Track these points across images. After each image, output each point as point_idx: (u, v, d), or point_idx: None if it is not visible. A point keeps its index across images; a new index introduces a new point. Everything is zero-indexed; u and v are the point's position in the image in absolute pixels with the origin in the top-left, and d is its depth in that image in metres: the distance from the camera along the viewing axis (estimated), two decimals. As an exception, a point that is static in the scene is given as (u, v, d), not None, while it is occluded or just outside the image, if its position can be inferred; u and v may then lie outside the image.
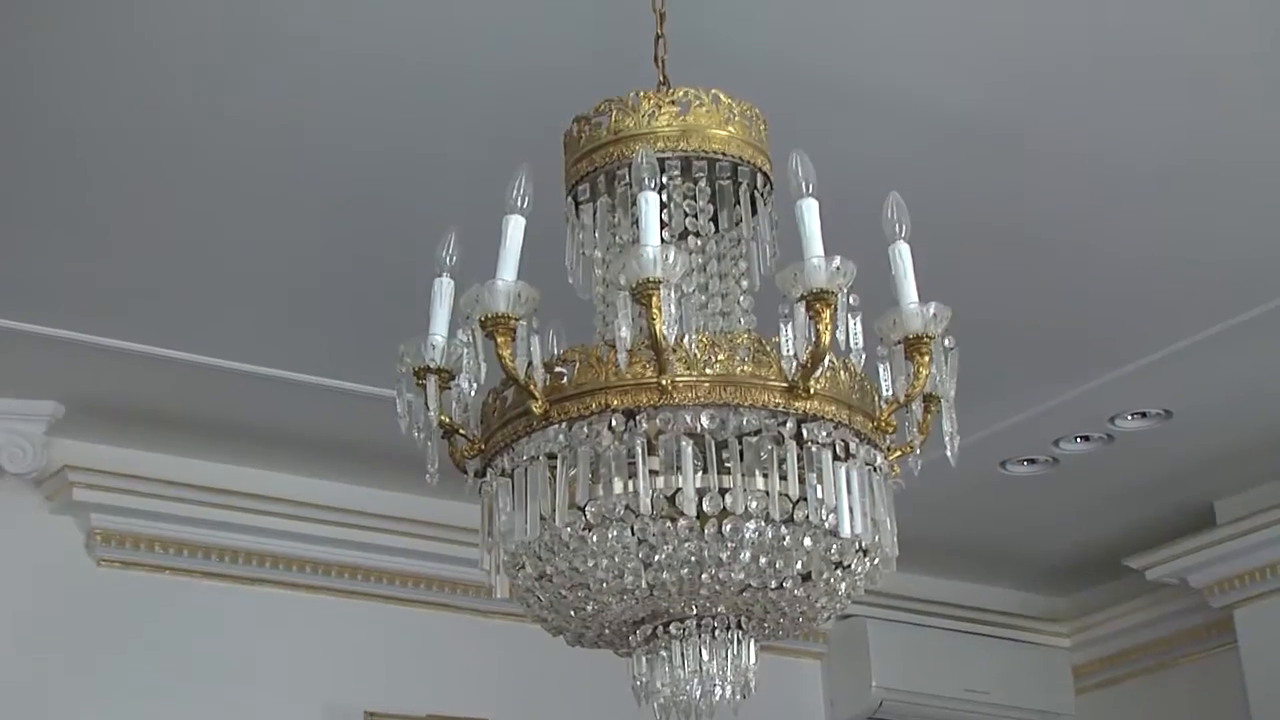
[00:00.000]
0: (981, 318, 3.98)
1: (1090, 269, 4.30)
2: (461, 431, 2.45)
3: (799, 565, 2.35)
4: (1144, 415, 5.06)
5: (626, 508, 2.29)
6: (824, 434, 2.33)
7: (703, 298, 2.56)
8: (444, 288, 2.49)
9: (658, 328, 2.23)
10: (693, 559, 2.30)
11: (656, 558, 2.31)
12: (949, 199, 3.91)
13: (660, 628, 2.42)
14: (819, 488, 2.31)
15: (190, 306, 4.33)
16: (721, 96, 2.58)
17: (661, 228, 2.36)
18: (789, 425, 2.32)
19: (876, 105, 3.63)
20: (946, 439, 2.47)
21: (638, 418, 2.30)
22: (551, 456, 2.34)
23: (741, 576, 2.32)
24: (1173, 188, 3.97)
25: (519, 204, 2.40)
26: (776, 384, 2.32)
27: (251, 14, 3.31)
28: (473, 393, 2.46)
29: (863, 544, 2.38)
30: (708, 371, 2.31)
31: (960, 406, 2.49)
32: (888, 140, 3.73)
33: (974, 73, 3.56)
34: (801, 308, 2.27)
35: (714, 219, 2.62)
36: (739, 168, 2.58)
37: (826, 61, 3.48)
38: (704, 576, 2.32)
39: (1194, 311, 4.49)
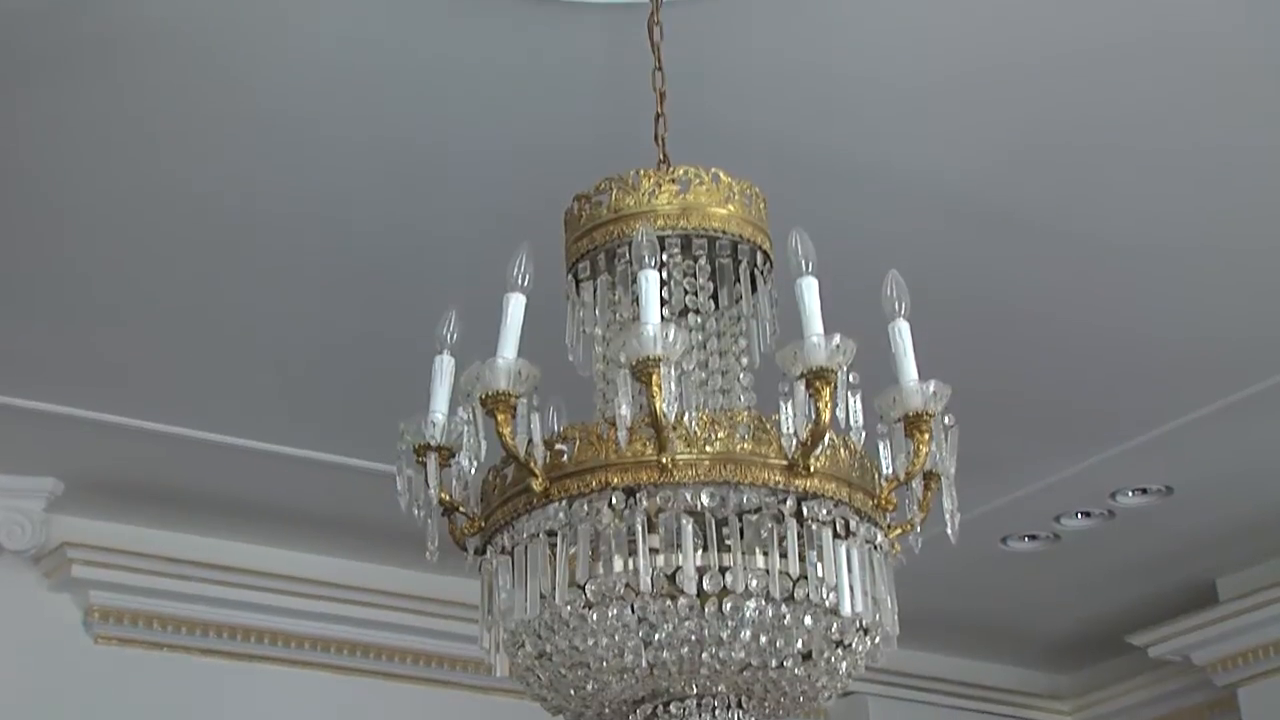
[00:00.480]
0: (982, 393, 3.98)
1: (1090, 344, 4.31)
2: (461, 509, 2.45)
3: (800, 644, 2.34)
4: (1145, 491, 5.05)
5: (627, 586, 2.28)
6: (824, 512, 2.33)
7: (703, 375, 2.56)
8: (444, 365, 2.50)
9: (658, 405, 2.24)
10: (693, 638, 2.29)
11: (657, 636, 2.29)
12: (948, 275, 3.92)
13: (660, 707, 2.40)
14: (819, 566, 2.30)
15: (190, 381, 4.34)
16: (721, 175, 2.59)
17: (662, 305, 2.37)
18: (789, 503, 2.32)
19: (875, 182, 3.65)
20: (947, 516, 2.46)
21: (638, 495, 2.29)
22: (552, 534, 2.33)
23: (742, 655, 2.31)
24: (1172, 264, 3.98)
25: (520, 282, 2.40)
26: (777, 462, 2.32)
27: (251, 96, 3.34)
28: (473, 470, 2.46)
29: (863, 623, 2.37)
30: (708, 449, 2.31)
31: (961, 482, 2.49)
32: (886, 217, 3.75)
33: (973, 150, 3.58)
34: (801, 385, 2.27)
35: (714, 296, 2.63)
36: (739, 245, 2.59)
37: (825, 139, 3.51)
38: (704, 655, 2.30)
39: (1194, 387, 4.49)
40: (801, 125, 3.47)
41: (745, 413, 2.39)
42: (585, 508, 2.31)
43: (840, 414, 2.29)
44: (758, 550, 2.32)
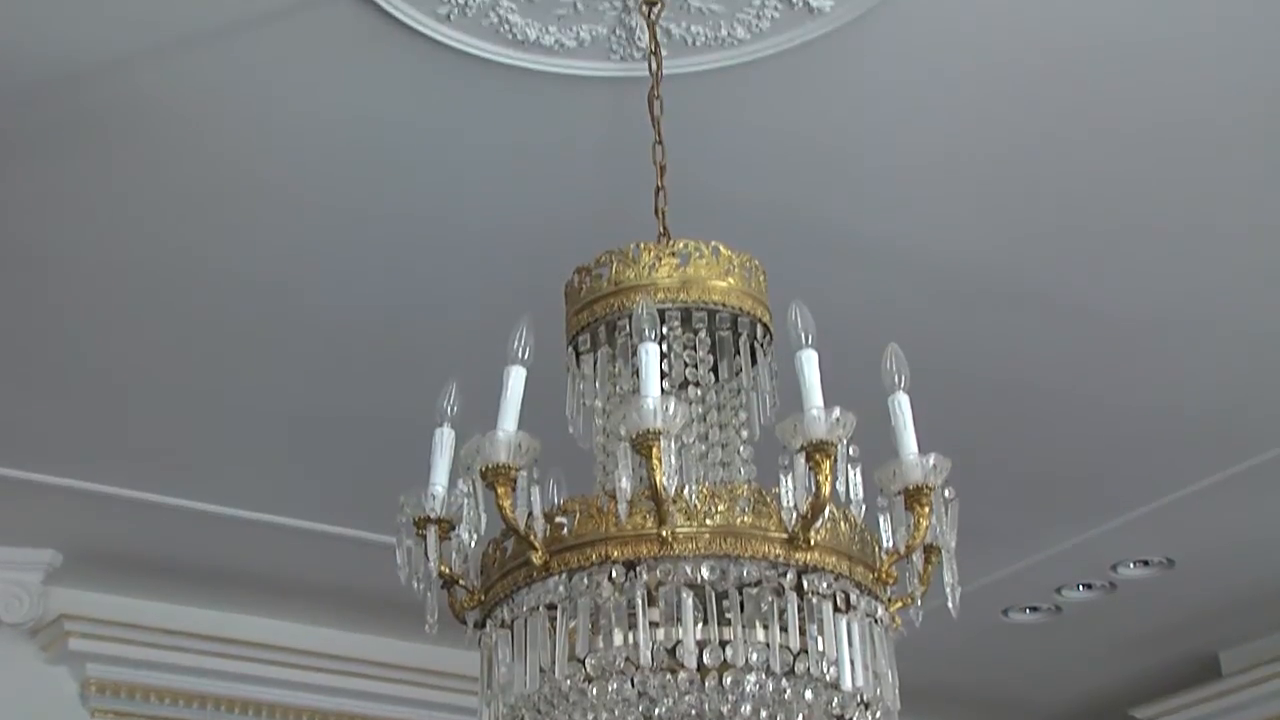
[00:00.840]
0: (983, 464, 3.98)
1: (1090, 417, 4.31)
2: (461, 582, 2.44)
3: (800, 718, 2.32)
4: (1146, 564, 5.04)
5: (627, 660, 2.27)
6: (825, 585, 2.32)
7: (703, 448, 2.56)
8: (444, 438, 2.50)
9: (658, 479, 2.23)
10: (693, 712, 2.28)
11: (657, 711, 2.28)
12: (949, 347, 3.93)
13: (661, 780, 2.38)
14: (820, 640, 2.30)
15: (188, 453, 4.33)
16: (721, 248, 2.60)
17: (662, 378, 2.37)
18: (789, 577, 2.31)
19: (875, 256, 3.66)
20: (948, 589, 2.46)
21: (638, 569, 2.29)
22: (551, 607, 2.33)
23: (743, 730, 2.30)
24: (1172, 336, 3.99)
25: (520, 355, 2.41)
26: (777, 535, 2.31)
27: (250, 170, 3.36)
28: (473, 543, 2.45)
29: (864, 697, 2.35)
30: (708, 522, 2.31)
31: (961, 554, 2.48)
32: (887, 290, 3.76)
33: (972, 225, 3.60)
34: (801, 458, 2.27)
35: (714, 369, 2.63)
36: (739, 318, 2.60)
37: (826, 213, 3.52)
38: (705, 730, 2.29)
39: (1195, 459, 4.49)
40: (802, 198, 3.48)
41: (745, 485, 2.39)
42: (585, 581, 2.30)
43: (840, 487, 2.29)
44: (758, 624, 2.31)
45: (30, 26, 2.93)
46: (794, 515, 2.30)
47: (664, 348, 2.51)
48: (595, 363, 2.61)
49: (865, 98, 3.23)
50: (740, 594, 2.31)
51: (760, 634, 2.30)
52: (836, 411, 2.27)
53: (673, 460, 2.26)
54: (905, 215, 3.56)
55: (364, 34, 2.99)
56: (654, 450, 2.22)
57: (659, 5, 2.71)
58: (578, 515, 2.34)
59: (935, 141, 3.35)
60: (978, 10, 3.01)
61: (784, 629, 2.29)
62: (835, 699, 2.33)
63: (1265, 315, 3.93)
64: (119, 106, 3.14)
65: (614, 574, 2.28)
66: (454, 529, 2.44)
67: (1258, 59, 3.16)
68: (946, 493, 2.43)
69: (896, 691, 2.41)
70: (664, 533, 2.28)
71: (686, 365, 2.58)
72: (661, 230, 2.70)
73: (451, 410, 2.52)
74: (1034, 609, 5.34)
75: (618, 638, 2.28)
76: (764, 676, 2.27)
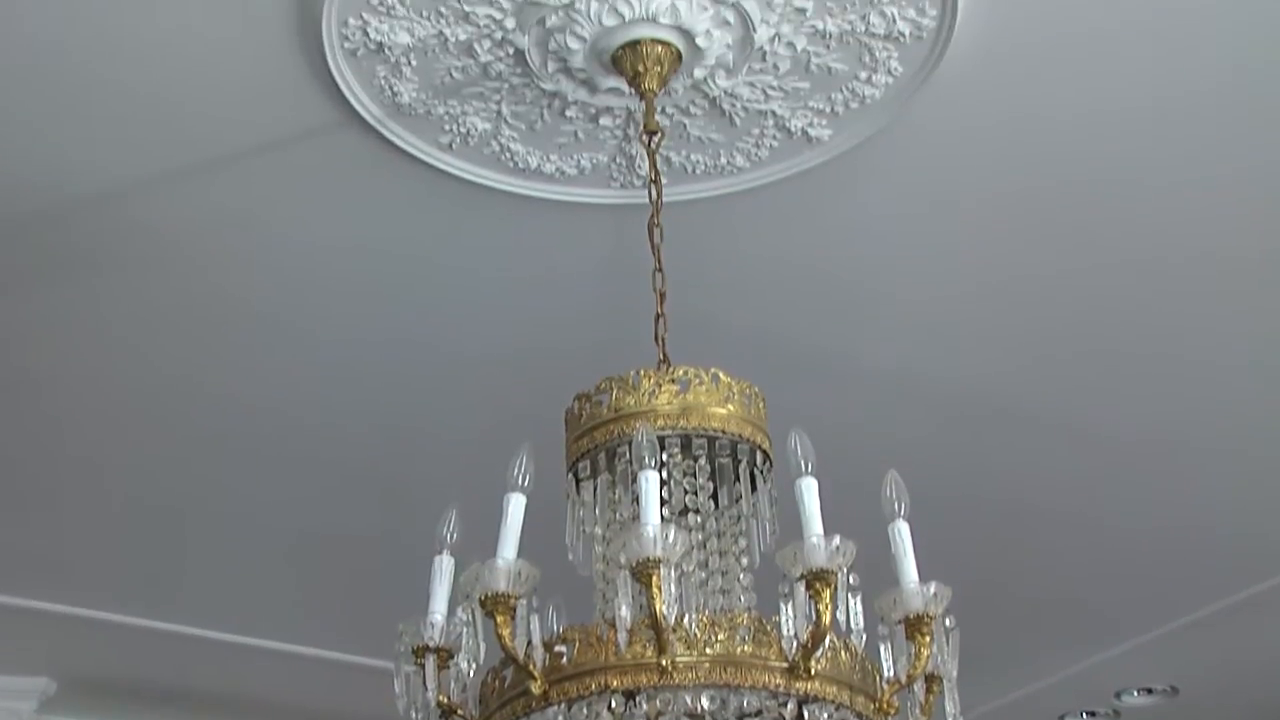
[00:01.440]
0: (984, 590, 3.96)
1: (1092, 541, 4.30)
2: (460, 712, 2.42)
3: None
4: (1150, 691, 5.00)
5: (627, 788, 2.25)
6: (825, 715, 2.30)
7: (703, 575, 2.55)
8: (444, 565, 2.49)
9: (658, 607, 2.22)
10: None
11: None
12: (949, 472, 3.93)
13: None
14: (822, 769, 2.27)
15: (184, 578, 4.32)
16: (721, 375, 2.60)
17: (661, 505, 2.36)
18: (790, 706, 2.29)
19: (875, 381, 3.67)
20: (949, 719, 2.44)
21: (638, 699, 2.27)
22: (550, 737, 2.31)
23: None
24: (1173, 462, 3.99)
25: (520, 482, 2.40)
26: (777, 664, 2.30)
27: (248, 297, 3.38)
28: (471, 672, 2.43)
29: (866, 827, 2.33)
30: (708, 651, 2.29)
31: (963, 681, 2.46)
32: (887, 414, 3.77)
33: (972, 350, 3.61)
34: (802, 587, 2.26)
35: (714, 496, 2.63)
36: (738, 445, 2.60)
37: (826, 339, 3.54)
38: None
39: (1200, 586, 4.48)
40: (802, 324, 3.50)
41: (745, 614, 2.37)
42: (585, 711, 2.28)
43: (841, 616, 2.28)
44: (759, 754, 2.29)
45: (26, 156, 2.96)
46: (794, 644, 2.29)
47: (664, 475, 2.51)
48: (595, 489, 2.60)
49: (864, 225, 3.26)
50: (741, 723, 2.29)
51: (762, 763, 2.28)
52: (836, 540, 2.26)
53: (672, 588, 2.24)
54: (905, 341, 3.57)
55: (366, 161, 3.02)
56: (654, 579, 2.21)
57: (659, 134, 2.74)
58: (577, 644, 2.32)
59: (935, 268, 3.37)
60: (976, 139, 3.04)
61: (786, 759, 2.27)
62: (837, 829, 2.30)
63: (1269, 441, 3.93)
64: (116, 235, 3.16)
65: (614, 704, 2.26)
66: (453, 657, 2.43)
67: (1261, 192, 3.19)
68: (948, 621, 2.41)
69: (898, 821, 2.39)
70: (664, 662, 2.26)
71: (686, 492, 2.57)
72: (661, 357, 2.71)
73: (451, 537, 2.51)
74: (1037, 737, 5.29)
75: (618, 767, 2.26)
76: (766, 805, 2.25)
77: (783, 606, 2.30)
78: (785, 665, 2.29)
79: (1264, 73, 2.90)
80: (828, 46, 2.79)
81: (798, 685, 2.29)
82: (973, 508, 4.10)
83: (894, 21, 2.74)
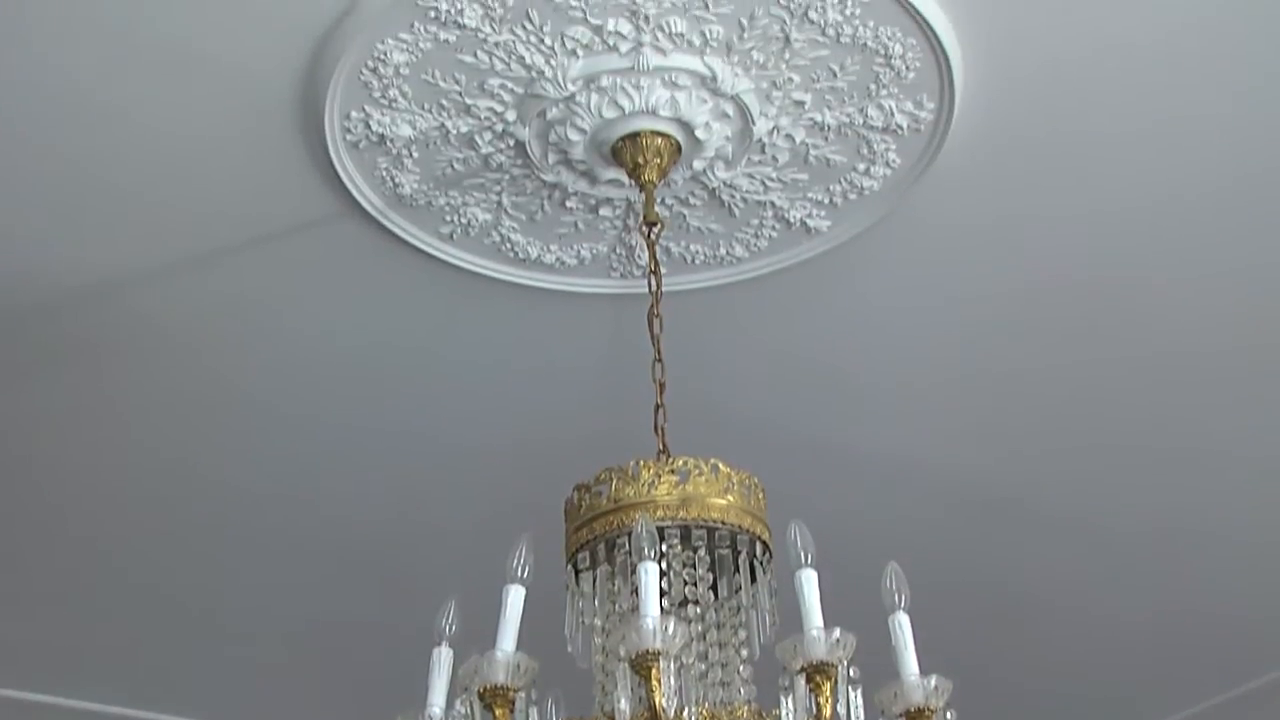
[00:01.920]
0: (985, 681, 3.94)
1: (1092, 632, 4.28)
2: (459, 804, 2.40)
3: None
4: (1152, 782, 4.95)
5: None
6: (826, 807, 2.28)
7: (702, 667, 2.54)
8: (443, 657, 2.48)
9: (657, 700, 2.21)
10: None
11: None
12: (949, 561, 3.92)
13: None
14: None
15: (180, 668, 4.30)
16: (721, 466, 2.60)
17: (661, 596, 2.36)
18: (791, 799, 2.28)
19: (874, 470, 3.67)
20: (951, 811, 2.42)
21: (637, 791, 2.25)
22: (549, 832, 2.29)
23: None
24: (1172, 554, 3.99)
25: (519, 574, 2.40)
26: (778, 757, 2.29)
27: (248, 388, 3.39)
28: (469, 765, 2.42)
29: None
30: (708, 744, 2.28)
31: (963, 773, 2.45)
32: (886, 504, 3.77)
33: (971, 440, 3.61)
34: (802, 679, 2.25)
35: (713, 587, 2.62)
36: (738, 536, 2.59)
37: (825, 428, 3.54)
38: None
39: (1199, 679, 4.45)
40: (801, 413, 3.51)
41: (745, 706, 2.37)
42: (584, 803, 2.27)
43: (841, 709, 2.27)
44: None
45: (26, 250, 2.98)
46: (795, 737, 2.28)
47: (663, 566, 2.50)
48: (595, 581, 2.59)
49: (863, 315, 3.27)
50: (741, 816, 2.27)
51: None
52: (837, 632, 2.25)
53: (672, 681, 2.23)
54: (904, 430, 3.57)
55: (366, 251, 3.04)
56: (653, 671, 2.20)
57: (659, 225, 2.75)
58: (576, 737, 2.32)
59: (933, 358, 3.38)
60: (974, 232, 3.06)
61: None
62: None
63: (1270, 532, 3.92)
64: (116, 325, 3.17)
65: (613, 796, 2.25)
66: (451, 750, 2.41)
67: (1259, 290, 3.21)
68: (949, 715, 2.40)
69: None
70: (663, 755, 2.25)
71: (686, 583, 2.56)
72: (661, 447, 2.71)
73: (450, 629, 2.50)
74: (1039, 829, 5.23)
75: None
76: None
77: (783, 699, 2.30)
78: (786, 759, 2.28)
79: (1262, 175, 2.92)
80: (826, 139, 2.81)
81: (798, 778, 2.28)
82: (973, 597, 4.08)
83: (892, 114, 2.76)
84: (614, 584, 2.60)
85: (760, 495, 2.64)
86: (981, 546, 3.95)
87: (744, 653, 2.57)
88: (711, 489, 2.58)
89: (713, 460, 2.61)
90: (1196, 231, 3.05)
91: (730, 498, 2.59)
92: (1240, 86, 2.73)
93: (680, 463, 2.60)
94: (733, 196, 2.94)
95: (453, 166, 2.83)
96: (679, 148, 2.79)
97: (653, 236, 2.77)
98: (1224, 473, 3.73)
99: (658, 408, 2.77)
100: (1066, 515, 3.85)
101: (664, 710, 2.22)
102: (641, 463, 2.61)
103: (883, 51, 2.63)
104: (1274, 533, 3.93)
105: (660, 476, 2.58)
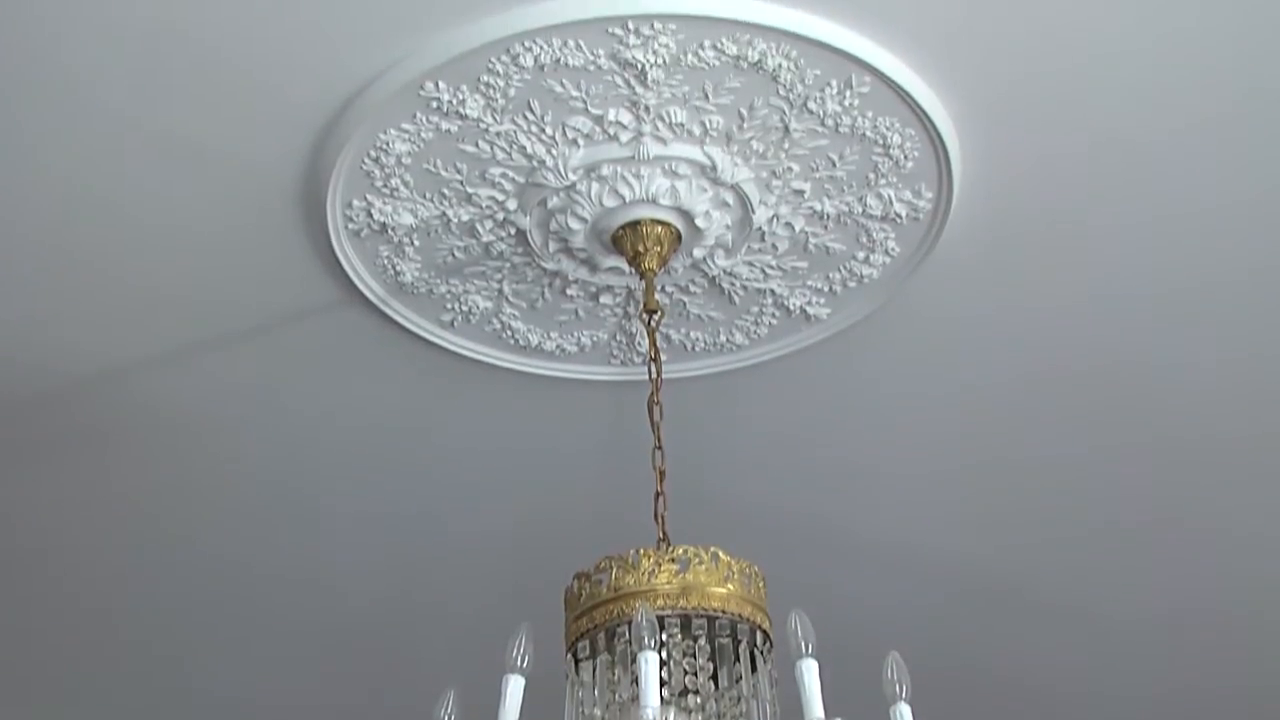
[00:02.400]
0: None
1: (1091, 718, 4.25)
2: None
3: None
4: None
5: None
6: None
7: (704, 757, 2.52)
8: (442, 748, 2.46)
9: (658, 791, 2.20)
10: None
11: None
12: (949, 647, 3.90)
13: None
14: None
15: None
16: (721, 554, 2.59)
17: (661, 686, 2.35)
18: None
19: (874, 557, 3.66)
20: None
21: None
22: None
23: None
24: (1173, 640, 3.97)
25: (518, 663, 2.39)
26: None
27: (249, 473, 3.39)
28: None
29: None
30: (709, 836, 2.26)
31: None
32: (886, 591, 3.75)
33: (971, 527, 3.61)
34: (803, 769, 2.24)
35: (714, 677, 2.60)
36: (738, 625, 2.58)
37: (824, 514, 3.54)
38: None
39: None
40: (801, 499, 3.50)
41: (747, 797, 2.35)
42: None
43: (843, 799, 2.25)
44: None
45: (31, 339, 2.99)
46: (796, 829, 2.26)
47: (663, 655, 2.49)
48: (594, 670, 2.58)
49: (863, 402, 3.27)
50: None
51: None
52: (838, 723, 2.24)
53: (673, 771, 2.22)
54: (905, 518, 3.57)
55: (368, 338, 3.04)
56: (654, 761, 2.19)
57: (659, 313, 2.76)
58: (576, 829, 2.30)
59: (933, 445, 3.38)
60: (973, 320, 3.07)
61: None
62: None
63: (1270, 613, 3.91)
64: (120, 412, 3.18)
65: None
66: (449, 843, 2.39)
67: (1258, 377, 3.22)
68: (951, 806, 2.39)
69: None
70: None
71: (686, 673, 2.55)
72: (661, 535, 2.70)
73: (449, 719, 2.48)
74: None
75: None
76: None
77: (784, 789, 2.28)
78: None
79: (1259, 266, 2.93)
80: (825, 227, 2.83)
81: None
82: (973, 685, 4.06)
83: (891, 203, 2.78)
84: (614, 673, 2.58)
85: (761, 584, 2.63)
86: (982, 635, 3.93)
87: (745, 743, 2.56)
88: (712, 578, 2.57)
89: (713, 549, 2.60)
90: (1196, 320, 3.06)
91: (730, 586, 2.58)
92: (1240, 182, 2.75)
93: (680, 551, 2.59)
94: (733, 284, 2.95)
95: (454, 254, 2.85)
96: (679, 236, 2.80)
97: (653, 324, 2.78)
98: (1225, 556, 3.72)
99: (658, 495, 2.76)
100: (1066, 603, 3.83)
101: (665, 801, 2.21)
102: (641, 551, 2.60)
103: (881, 141, 2.65)
104: (1274, 612, 3.91)
105: (660, 565, 2.57)
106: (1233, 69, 2.51)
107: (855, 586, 3.72)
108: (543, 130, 2.59)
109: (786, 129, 2.61)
